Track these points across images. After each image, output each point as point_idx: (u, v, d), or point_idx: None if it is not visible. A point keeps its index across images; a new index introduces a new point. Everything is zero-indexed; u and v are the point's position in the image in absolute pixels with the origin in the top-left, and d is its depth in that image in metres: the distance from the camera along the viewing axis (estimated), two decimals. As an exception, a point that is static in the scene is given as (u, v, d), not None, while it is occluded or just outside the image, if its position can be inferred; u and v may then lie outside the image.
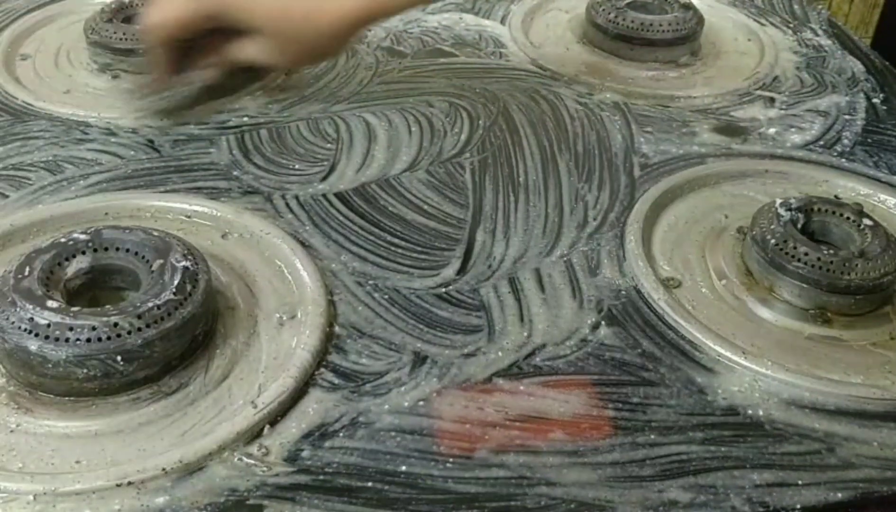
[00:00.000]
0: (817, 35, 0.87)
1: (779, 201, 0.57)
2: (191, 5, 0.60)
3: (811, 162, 0.67)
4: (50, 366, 0.43)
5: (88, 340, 0.43)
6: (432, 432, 0.45)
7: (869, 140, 0.70)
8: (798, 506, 0.43)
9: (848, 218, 0.57)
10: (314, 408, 0.46)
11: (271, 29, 0.61)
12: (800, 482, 0.44)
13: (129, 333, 0.44)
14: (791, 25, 0.88)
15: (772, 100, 0.75)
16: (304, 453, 0.43)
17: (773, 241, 0.54)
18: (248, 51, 0.63)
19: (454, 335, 0.51)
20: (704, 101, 0.74)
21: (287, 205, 0.59)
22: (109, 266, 0.49)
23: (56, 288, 0.47)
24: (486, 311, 0.52)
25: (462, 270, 0.55)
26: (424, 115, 0.70)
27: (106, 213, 0.57)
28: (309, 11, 0.60)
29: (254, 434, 0.44)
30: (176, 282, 0.46)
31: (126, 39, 0.72)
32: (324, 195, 0.61)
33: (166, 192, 0.59)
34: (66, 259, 0.48)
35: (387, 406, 0.46)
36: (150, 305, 0.45)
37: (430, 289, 0.54)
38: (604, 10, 0.80)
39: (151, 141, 0.65)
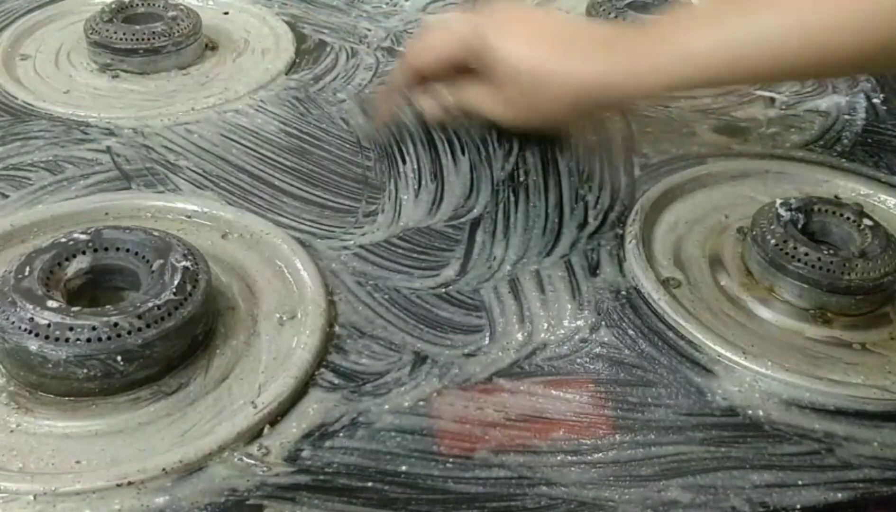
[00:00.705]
0: (817, 35, 0.86)
1: (779, 201, 0.57)
2: (453, 42, 0.58)
3: (811, 162, 0.67)
4: (50, 366, 0.43)
5: (88, 340, 0.43)
6: (432, 432, 0.45)
7: (869, 140, 0.70)
8: (798, 506, 0.43)
9: (848, 218, 0.57)
10: (314, 408, 0.46)
11: (512, 77, 0.55)
12: (800, 483, 0.44)
13: (130, 333, 0.44)
14: (791, 25, 0.88)
15: (772, 100, 0.75)
16: (304, 453, 0.43)
17: (773, 241, 0.54)
18: (478, 96, 0.58)
19: (454, 335, 0.51)
20: (704, 102, 0.74)
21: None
22: (109, 266, 0.49)
23: (56, 288, 0.47)
24: (486, 311, 0.52)
25: (462, 271, 0.55)
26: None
27: (106, 213, 0.57)
28: (553, 70, 0.54)
29: (254, 434, 0.44)
30: (176, 282, 0.46)
31: (126, 39, 0.72)
32: (324, 195, 0.61)
33: (167, 191, 0.59)
34: (67, 259, 0.48)
35: (387, 406, 0.46)
36: (151, 305, 0.45)
37: (430, 289, 0.54)
38: (604, 10, 0.80)
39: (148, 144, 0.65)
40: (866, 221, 0.56)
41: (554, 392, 0.48)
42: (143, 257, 0.49)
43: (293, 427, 0.45)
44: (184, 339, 0.46)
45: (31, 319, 0.44)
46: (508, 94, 0.56)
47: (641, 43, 0.54)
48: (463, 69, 0.58)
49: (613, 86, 0.54)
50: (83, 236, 0.49)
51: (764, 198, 0.62)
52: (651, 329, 0.52)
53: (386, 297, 0.53)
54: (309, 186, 0.61)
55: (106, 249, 0.49)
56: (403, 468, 0.43)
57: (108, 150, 0.64)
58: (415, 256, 0.56)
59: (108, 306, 0.45)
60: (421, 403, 0.46)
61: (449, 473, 0.43)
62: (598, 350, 0.50)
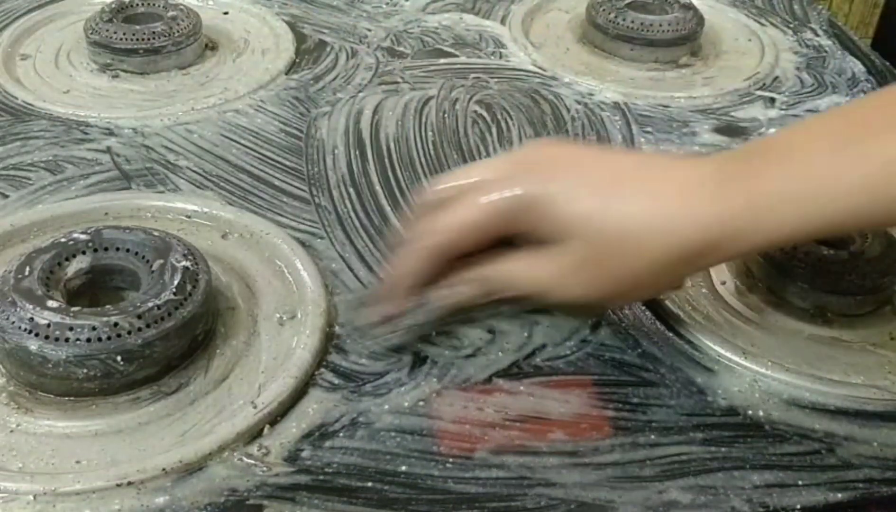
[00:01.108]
0: (817, 35, 0.87)
1: (779, 201, 0.57)
2: (495, 207, 0.44)
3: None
4: (50, 366, 0.43)
5: (88, 340, 0.43)
6: (432, 432, 0.45)
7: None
8: (798, 506, 0.43)
9: (848, 218, 0.57)
10: (314, 408, 0.46)
11: (591, 238, 0.43)
12: (800, 483, 0.44)
13: (130, 332, 0.44)
14: (791, 26, 0.88)
15: (772, 100, 0.75)
16: (304, 453, 0.43)
17: (773, 241, 0.54)
18: (530, 269, 0.46)
19: (454, 335, 0.50)
20: (704, 102, 0.74)
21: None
22: (109, 266, 0.49)
23: (56, 288, 0.47)
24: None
25: (462, 271, 0.55)
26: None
27: (106, 213, 0.57)
28: (649, 225, 0.42)
29: (254, 434, 0.44)
30: (176, 282, 0.46)
31: (126, 39, 0.72)
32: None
33: (167, 191, 0.59)
34: (67, 259, 0.48)
35: (387, 406, 0.46)
36: (151, 305, 0.45)
37: (430, 289, 0.54)
38: (604, 10, 0.80)
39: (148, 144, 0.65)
40: (866, 221, 0.56)
41: (554, 392, 0.48)
42: (143, 257, 0.49)
43: (293, 427, 0.45)
44: (184, 339, 0.46)
45: (31, 319, 0.44)
46: (580, 261, 0.44)
47: (755, 178, 0.42)
48: (500, 240, 0.46)
49: (731, 237, 0.42)
50: (83, 236, 0.49)
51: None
52: (651, 329, 0.52)
53: (386, 297, 0.53)
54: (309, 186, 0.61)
55: (106, 249, 0.49)
56: (403, 468, 0.43)
57: (108, 150, 0.64)
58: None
59: (108, 306, 0.45)
60: (421, 403, 0.46)
61: (449, 474, 0.43)
62: (597, 351, 0.50)
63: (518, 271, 0.46)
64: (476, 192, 0.45)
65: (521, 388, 0.48)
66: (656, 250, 0.43)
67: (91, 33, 0.73)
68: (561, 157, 0.46)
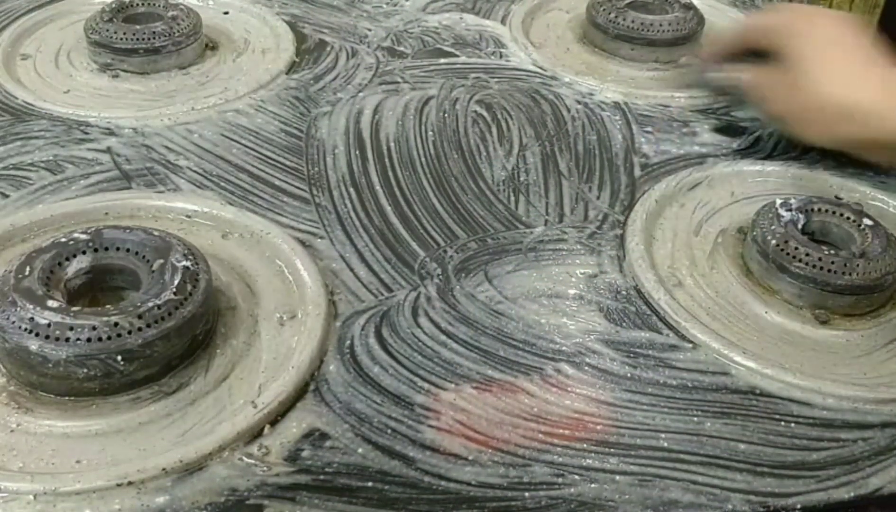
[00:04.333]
0: (818, 35, 0.86)
1: (779, 201, 0.57)
2: (782, 23, 0.64)
3: (812, 162, 0.67)
4: (50, 366, 0.43)
5: (89, 340, 0.43)
6: (433, 432, 0.45)
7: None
8: (798, 506, 0.43)
9: (848, 218, 0.57)
10: (314, 408, 0.46)
11: (793, 63, 0.61)
12: (800, 482, 0.44)
13: (130, 332, 0.44)
14: (791, 25, 0.88)
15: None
16: (305, 453, 0.43)
17: (773, 241, 0.54)
18: (760, 79, 0.64)
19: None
20: (704, 101, 0.74)
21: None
22: (110, 266, 0.49)
23: (56, 288, 0.47)
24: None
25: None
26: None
27: (106, 213, 0.57)
28: (864, 108, 0.59)
29: (254, 434, 0.44)
30: (176, 282, 0.46)
31: (126, 39, 0.72)
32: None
33: (167, 191, 0.59)
34: (67, 259, 0.48)
35: (387, 406, 0.46)
36: (151, 304, 0.45)
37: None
38: (604, 10, 0.80)
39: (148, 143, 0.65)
40: (866, 221, 0.56)
41: (554, 392, 0.48)
42: (144, 257, 0.49)
43: (293, 427, 0.45)
44: (184, 339, 0.46)
45: (32, 319, 0.44)
46: (786, 83, 0.62)
47: None
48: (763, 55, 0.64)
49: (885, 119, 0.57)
50: (83, 236, 0.49)
51: (764, 198, 0.62)
52: (651, 329, 0.52)
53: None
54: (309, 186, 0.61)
55: (106, 249, 0.49)
56: (404, 468, 0.43)
57: (109, 149, 0.64)
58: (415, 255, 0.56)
59: (108, 306, 0.45)
60: (421, 403, 0.46)
61: (449, 473, 0.43)
62: (598, 350, 0.50)
63: (761, 77, 0.65)
64: (784, 12, 0.66)
65: (522, 387, 0.48)
66: (835, 107, 0.59)
67: (91, 33, 0.73)
68: (827, 30, 0.62)
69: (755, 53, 0.66)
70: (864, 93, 0.58)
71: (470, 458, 0.44)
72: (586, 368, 0.49)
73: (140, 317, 0.44)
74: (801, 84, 0.60)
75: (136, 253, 0.49)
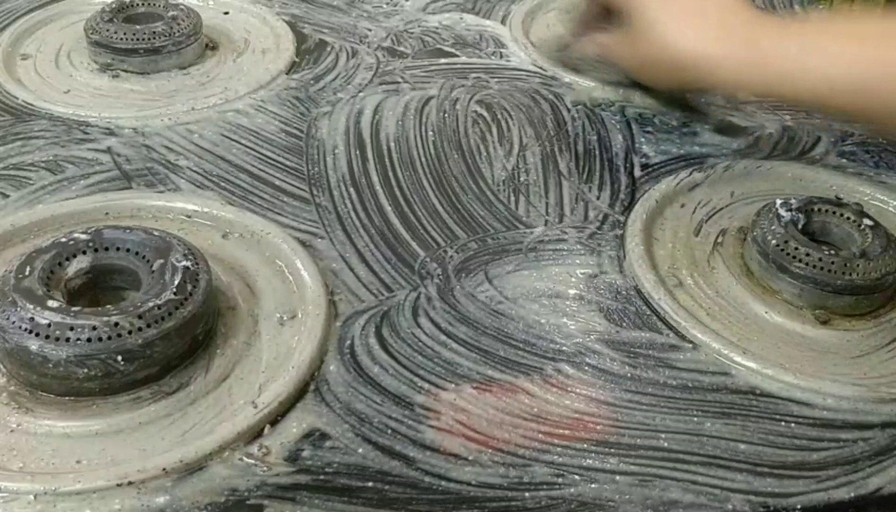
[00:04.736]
0: (818, 35, 0.86)
1: (779, 201, 0.57)
2: None
3: (812, 162, 0.67)
4: (50, 366, 0.43)
5: (89, 340, 0.43)
6: (433, 432, 0.45)
7: (869, 140, 0.70)
8: (798, 506, 0.43)
9: (848, 218, 0.57)
10: (315, 408, 0.46)
11: (633, 18, 0.63)
12: (800, 483, 0.44)
13: (130, 332, 0.44)
14: (791, 25, 0.88)
15: (772, 100, 0.75)
16: (305, 453, 0.43)
17: (773, 241, 0.54)
18: (608, 40, 0.68)
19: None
20: (704, 101, 0.74)
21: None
22: (110, 266, 0.49)
23: (56, 288, 0.47)
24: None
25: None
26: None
27: (106, 213, 0.57)
28: (667, 27, 0.61)
29: (254, 434, 0.44)
30: (176, 282, 0.46)
31: (126, 39, 0.72)
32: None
33: (167, 191, 0.60)
34: (67, 259, 0.48)
35: (387, 405, 0.46)
36: (151, 304, 0.45)
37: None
38: (604, 10, 0.80)
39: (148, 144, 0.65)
40: (866, 221, 0.56)
41: (554, 392, 0.48)
42: (144, 257, 0.49)
43: (293, 427, 0.45)
44: (184, 339, 0.46)
45: (32, 319, 0.44)
46: (630, 39, 0.64)
47: (784, 46, 0.57)
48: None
49: (736, 80, 0.59)
50: (83, 236, 0.49)
51: (764, 198, 0.62)
52: (651, 329, 0.52)
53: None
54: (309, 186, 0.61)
55: (106, 249, 0.49)
56: (404, 468, 0.43)
57: (109, 149, 0.64)
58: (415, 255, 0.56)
59: (108, 306, 0.45)
60: (421, 403, 0.46)
61: (449, 474, 0.43)
62: (598, 350, 0.50)
63: (605, 39, 0.68)
64: None
65: (522, 387, 0.48)
66: (669, 55, 0.61)
67: (91, 33, 0.73)
68: None
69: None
70: (696, 41, 0.60)
71: (470, 458, 0.44)
72: (586, 368, 0.49)
73: (140, 317, 0.44)
74: (639, 36, 0.63)
75: (137, 253, 0.49)
